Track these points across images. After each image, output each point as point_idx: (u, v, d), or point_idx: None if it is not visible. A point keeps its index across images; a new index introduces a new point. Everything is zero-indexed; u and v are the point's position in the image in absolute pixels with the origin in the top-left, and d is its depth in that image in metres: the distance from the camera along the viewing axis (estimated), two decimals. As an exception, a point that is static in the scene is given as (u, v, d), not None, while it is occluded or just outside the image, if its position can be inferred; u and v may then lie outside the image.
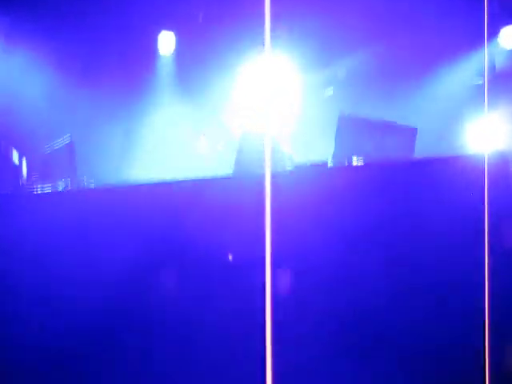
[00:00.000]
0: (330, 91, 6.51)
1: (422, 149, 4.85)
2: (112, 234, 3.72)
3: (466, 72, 6.30)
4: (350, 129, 4.25)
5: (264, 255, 3.36)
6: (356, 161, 3.93)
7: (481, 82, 6.24)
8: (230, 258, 3.61)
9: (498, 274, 3.14)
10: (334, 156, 4.24)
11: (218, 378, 3.46)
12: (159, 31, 6.54)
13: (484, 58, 6.12)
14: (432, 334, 3.26)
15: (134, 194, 3.99)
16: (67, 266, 3.90)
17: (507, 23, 6.12)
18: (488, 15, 5.34)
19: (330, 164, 4.06)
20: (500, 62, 6.16)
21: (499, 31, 6.16)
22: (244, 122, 5.39)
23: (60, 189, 4.54)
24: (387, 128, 4.26)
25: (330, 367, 3.34)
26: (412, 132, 4.31)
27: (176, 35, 6.60)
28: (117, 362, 3.59)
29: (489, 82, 5.98)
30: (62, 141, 4.96)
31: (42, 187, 4.54)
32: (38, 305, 3.82)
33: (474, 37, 6.09)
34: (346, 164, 3.99)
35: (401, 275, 3.37)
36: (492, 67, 6.14)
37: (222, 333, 3.47)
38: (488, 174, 3.31)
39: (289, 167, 4.39)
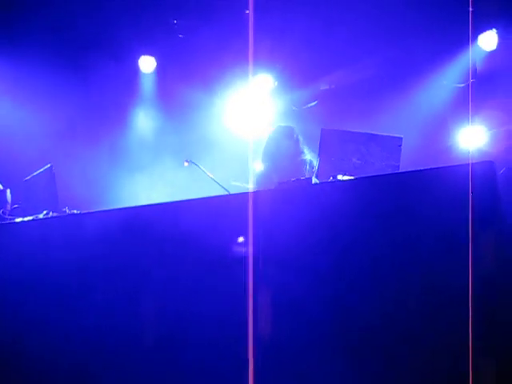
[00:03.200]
0: (313, 104, 6.50)
1: (409, 156, 4.83)
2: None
3: (448, 76, 6.30)
4: (333, 142, 4.19)
5: (248, 270, 3.35)
6: (341, 177, 3.88)
7: (463, 85, 6.23)
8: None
9: (483, 283, 3.12)
10: (318, 171, 4.18)
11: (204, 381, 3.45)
12: (140, 54, 6.51)
13: (464, 61, 6.12)
14: (420, 340, 3.24)
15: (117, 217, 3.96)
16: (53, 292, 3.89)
17: (486, 27, 6.12)
18: (471, 18, 5.34)
19: (314, 180, 4.00)
20: (480, 65, 6.16)
21: (478, 35, 6.16)
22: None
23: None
24: (371, 139, 4.20)
25: (317, 370, 3.31)
26: (397, 141, 4.25)
27: (156, 55, 6.57)
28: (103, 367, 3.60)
29: (471, 84, 5.97)
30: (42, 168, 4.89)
31: (23, 219, 4.46)
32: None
33: (453, 41, 6.10)
34: (331, 179, 3.93)
35: (388, 292, 3.33)
36: (473, 70, 6.14)
37: (207, 344, 3.47)
38: (473, 185, 3.28)
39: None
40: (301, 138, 4.78)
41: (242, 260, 3.46)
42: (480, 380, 3.03)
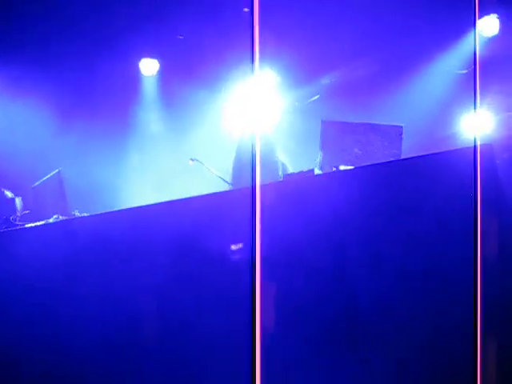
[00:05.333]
0: (315, 98, 6.50)
1: (413, 145, 4.83)
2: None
3: (450, 62, 6.28)
4: (334, 133, 4.23)
5: (254, 262, 3.36)
6: (344, 168, 3.91)
7: (465, 72, 6.21)
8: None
9: (489, 273, 3.10)
10: (321, 162, 4.22)
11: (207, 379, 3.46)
12: (141, 57, 6.56)
13: (466, 47, 6.10)
14: (424, 333, 3.23)
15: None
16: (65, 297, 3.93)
17: (487, 12, 6.10)
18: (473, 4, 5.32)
19: (316, 171, 4.03)
20: (481, 51, 6.13)
21: (478, 20, 6.14)
22: (239, 131, 5.39)
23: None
24: (371, 129, 4.23)
25: (319, 367, 3.32)
26: (397, 130, 4.27)
27: (159, 58, 6.61)
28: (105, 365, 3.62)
29: (474, 70, 5.94)
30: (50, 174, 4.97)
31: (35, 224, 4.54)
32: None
33: (454, 27, 6.09)
34: (334, 170, 3.97)
35: (391, 281, 3.34)
36: (475, 56, 6.11)
37: (210, 340, 3.48)
38: (479, 168, 3.27)
39: (280, 176, 4.39)
40: (274, 140, 4.75)
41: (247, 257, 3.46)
42: (487, 375, 3.02)
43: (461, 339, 3.08)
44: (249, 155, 4.51)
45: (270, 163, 4.56)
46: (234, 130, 6.12)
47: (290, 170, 4.62)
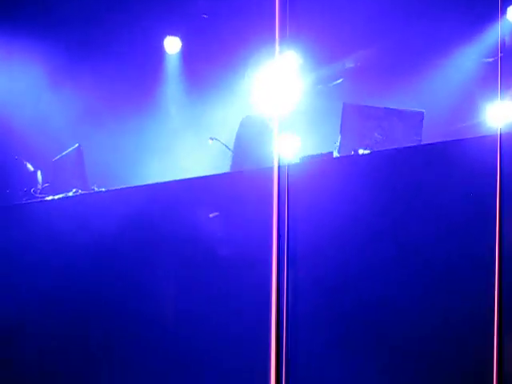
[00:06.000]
0: (338, 81, 6.46)
1: (437, 132, 4.77)
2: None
3: (476, 50, 6.19)
4: (354, 117, 4.20)
5: (272, 249, 3.33)
6: (363, 152, 3.88)
7: (491, 60, 6.12)
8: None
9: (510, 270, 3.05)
10: (340, 146, 4.19)
11: (224, 378, 3.45)
12: (165, 34, 6.55)
13: (492, 35, 6.01)
14: (439, 332, 3.20)
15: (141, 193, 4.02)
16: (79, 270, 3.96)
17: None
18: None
19: (335, 155, 4.01)
20: (509, 39, 6.04)
21: (507, 7, 6.04)
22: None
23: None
24: (392, 114, 4.19)
25: (337, 366, 3.30)
26: (418, 116, 4.23)
27: (181, 36, 6.60)
28: (115, 363, 3.63)
29: (501, 59, 5.84)
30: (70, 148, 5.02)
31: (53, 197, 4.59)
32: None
33: (481, 14, 5.99)
34: (352, 154, 3.94)
35: (411, 269, 3.30)
36: (503, 45, 6.02)
37: (228, 334, 3.46)
38: (501, 157, 3.20)
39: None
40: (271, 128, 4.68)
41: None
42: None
43: (478, 338, 3.04)
44: (251, 133, 4.48)
45: (262, 150, 4.49)
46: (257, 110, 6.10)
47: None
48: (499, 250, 3.00)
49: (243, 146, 4.54)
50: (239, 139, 4.60)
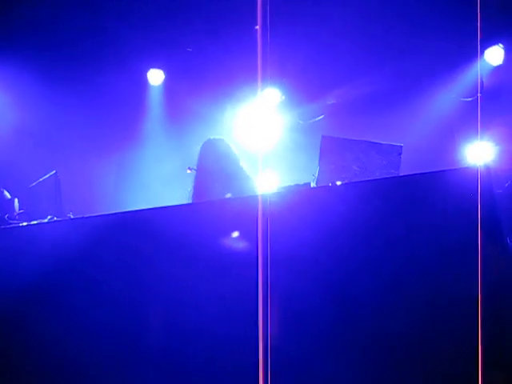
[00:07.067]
0: (320, 118, 6.53)
1: (416, 169, 4.80)
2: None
3: (455, 90, 6.30)
4: (333, 149, 4.21)
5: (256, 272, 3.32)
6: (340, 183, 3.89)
7: (470, 99, 6.23)
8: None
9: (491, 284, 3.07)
10: (318, 178, 4.20)
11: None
12: (149, 67, 6.60)
13: (471, 75, 6.13)
14: (428, 337, 3.18)
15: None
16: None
17: (493, 41, 6.14)
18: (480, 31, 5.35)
19: (312, 186, 4.01)
20: (487, 80, 6.17)
21: (485, 50, 6.18)
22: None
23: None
24: (371, 147, 4.22)
25: (324, 367, 3.26)
26: (397, 150, 4.26)
27: (165, 68, 6.66)
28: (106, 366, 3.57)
29: (479, 99, 5.95)
30: (47, 175, 4.98)
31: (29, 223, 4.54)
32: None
33: (460, 55, 6.12)
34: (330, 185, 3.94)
35: (391, 297, 3.30)
36: (481, 84, 6.14)
37: (214, 339, 3.43)
38: (481, 189, 3.23)
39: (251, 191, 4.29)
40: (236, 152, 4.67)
41: (250, 261, 3.42)
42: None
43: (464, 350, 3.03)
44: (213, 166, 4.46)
45: (236, 172, 4.48)
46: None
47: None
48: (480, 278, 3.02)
49: (208, 167, 4.53)
50: (205, 159, 4.60)
